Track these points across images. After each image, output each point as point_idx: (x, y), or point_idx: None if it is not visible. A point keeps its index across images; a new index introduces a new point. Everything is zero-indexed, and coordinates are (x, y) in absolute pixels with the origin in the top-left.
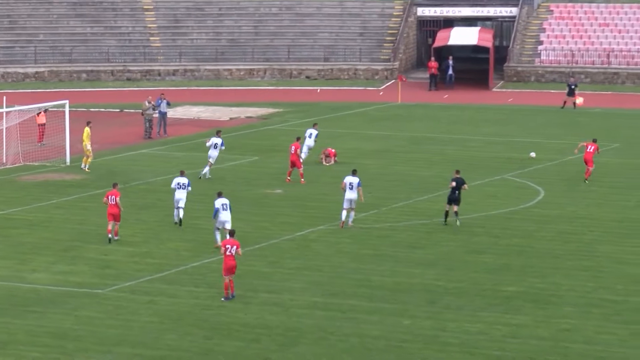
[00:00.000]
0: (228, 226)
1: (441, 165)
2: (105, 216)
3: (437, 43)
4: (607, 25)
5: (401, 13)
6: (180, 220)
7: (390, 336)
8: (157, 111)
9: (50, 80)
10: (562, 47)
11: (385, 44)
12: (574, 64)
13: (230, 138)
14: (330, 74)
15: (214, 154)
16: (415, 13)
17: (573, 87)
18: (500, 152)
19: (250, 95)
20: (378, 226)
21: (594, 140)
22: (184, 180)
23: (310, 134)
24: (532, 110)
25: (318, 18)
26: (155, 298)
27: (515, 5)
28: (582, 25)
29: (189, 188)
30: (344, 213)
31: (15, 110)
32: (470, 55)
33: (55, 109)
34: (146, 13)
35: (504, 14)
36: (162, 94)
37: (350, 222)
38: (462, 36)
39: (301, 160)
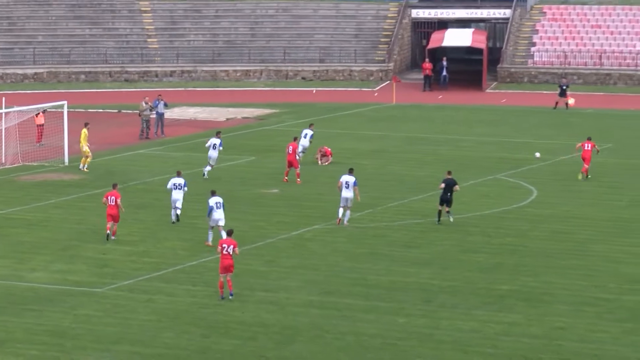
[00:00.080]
0: (221, 224)
1: (435, 165)
2: (103, 216)
3: (432, 44)
4: (600, 26)
5: (396, 15)
6: (178, 216)
7: (386, 334)
8: (154, 112)
9: (49, 81)
10: (555, 48)
11: (380, 46)
12: (566, 65)
13: (227, 138)
14: (326, 75)
15: (213, 154)
16: (410, 15)
17: (564, 87)
18: (494, 152)
19: (246, 96)
20: (373, 225)
21: (589, 139)
22: (180, 180)
23: (306, 134)
24: (525, 111)
25: (314, 20)
26: (153, 297)
27: (509, 7)
28: (575, 26)
29: (185, 188)
30: (341, 211)
31: (14, 111)
32: (464, 57)
33: (54, 110)
34: (144, 15)
35: (498, 15)
36: (160, 95)
37: (346, 222)
38: (456, 38)
39: (298, 159)
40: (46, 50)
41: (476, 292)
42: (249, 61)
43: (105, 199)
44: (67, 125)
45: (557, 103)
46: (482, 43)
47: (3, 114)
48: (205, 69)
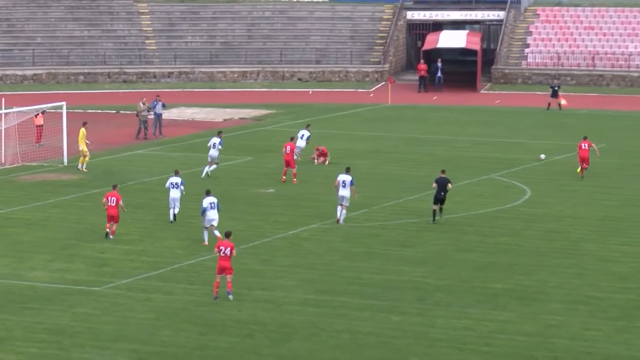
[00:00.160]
0: (215, 224)
1: (430, 165)
2: (102, 215)
3: (426, 46)
4: (592, 28)
5: (391, 17)
6: (175, 215)
7: (381, 332)
8: (151, 112)
9: (48, 83)
10: (548, 49)
11: (375, 47)
12: (559, 67)
13: (224, 139)
14: (322, 76)
15: (214, 153)
16: (405, 17)
17: (556, 88)
18: (488, 152)
19: (243, 97)
20: (369, 225)
21: (585, 138)
22: (177, 179)
23: (303, 135)
24: (519, 111)
25: (310, 22)
26: (151, 295)
27: (503, 9)
28: (568, 28)
29: (182, 187)
30: (339, 209)
31: (13, 112)
32: (458, 58)
33: (53, 111)
34: (142, 17)
35: (492, 17)
36: (158, 96)
37: (341, 221)
38: (451, 39)
39: (295, 159)
40: (45, 52)
41: (470, 290)
42: (246, 62)
43: (105, 199)
44: (66, 126)
45: (549, 104)
46: (476, 45)
47: (3, 115)
48: (202, 70)
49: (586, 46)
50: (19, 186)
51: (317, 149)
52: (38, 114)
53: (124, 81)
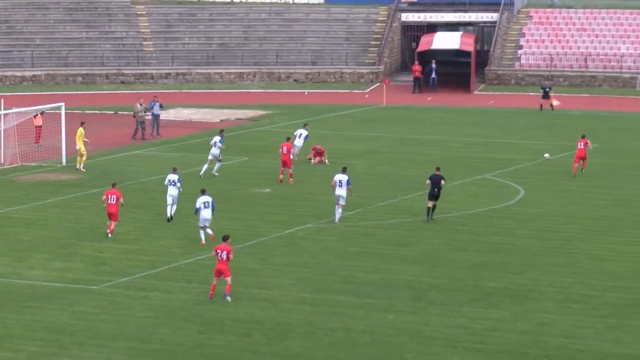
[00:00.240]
0: (208, 224)
1: (425, 166)
2: (100, 215)
3: (421, 47)
4: (585, 30)
5: (386, 18)
6: (171, 216)
7: (376, 330)
8: (149, 113)
9: (46, 84)
10: (541, 51)
11: (370, 48)
12: (552, 68)
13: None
14: (318, 77)
15: (215, 152)
16: (400, 18)
17: (547, 89)
18: (482, 152)
19: (240, 98)
20: (364, 224)
21: (583, 136)
22: (174, 177)
23: (300, 134)
24: (513, 112)
25: (305, 23)
26: (149, 294)
27: (496, 10)
28: (561, 30)
29: (178, 184)
30: (337, 208)
31: (12, 113)
32: (452, 59)
33: (52, 111)
34: (140, 18)
35: (485, 19)
36: (155, 97)
37: (337, 220)
38: (445, 41)
39: (291, 158)
40: (44, 53)
41: (464, 289)
42: (243, 64)
43: (105, 197)
44: (64, 127)
45: (541, 105)
46: (470, 46)
47: (2, 116)
48: (199, 71)
49: (579, 48)
50: (18, 186)
51: (314, 149)
52: (37, 115)
53: (122, 82)
